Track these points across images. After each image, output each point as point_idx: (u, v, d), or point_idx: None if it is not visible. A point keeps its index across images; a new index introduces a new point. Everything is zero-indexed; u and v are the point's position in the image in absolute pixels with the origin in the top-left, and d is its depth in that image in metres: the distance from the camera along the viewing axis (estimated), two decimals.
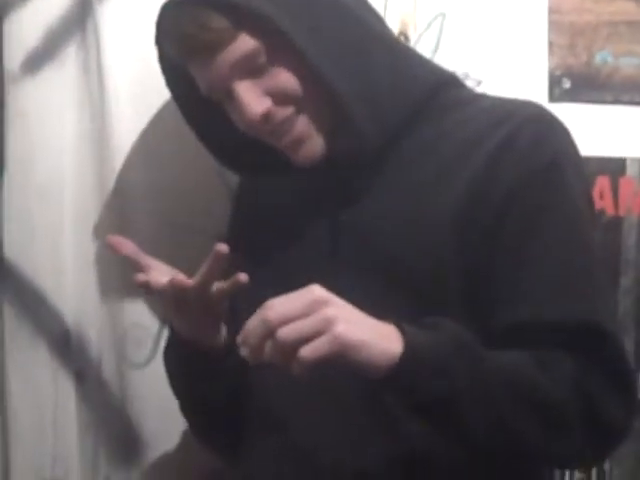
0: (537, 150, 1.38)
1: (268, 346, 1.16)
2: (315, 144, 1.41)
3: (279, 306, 1.16)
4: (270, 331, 1.14)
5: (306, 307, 1.16)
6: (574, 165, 1.42)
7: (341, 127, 1.41)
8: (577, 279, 1.36)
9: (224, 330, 1.49)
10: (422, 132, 1.43)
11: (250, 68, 1.37)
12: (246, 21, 1.35)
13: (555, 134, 1.42)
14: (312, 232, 1.49)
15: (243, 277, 1.33)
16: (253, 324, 1.17)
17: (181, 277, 1.36)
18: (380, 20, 1.50)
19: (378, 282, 1.38)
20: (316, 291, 1.20)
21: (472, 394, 1.23)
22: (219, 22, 1.35)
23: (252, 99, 1.37)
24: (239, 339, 1.19)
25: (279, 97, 1.38)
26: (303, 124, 1.40)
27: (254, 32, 1.36)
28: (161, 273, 1.40)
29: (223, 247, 1.31)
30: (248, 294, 1.39)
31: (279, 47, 1.36)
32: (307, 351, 1.14)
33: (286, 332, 1.14)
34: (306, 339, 1.15)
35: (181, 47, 1.39)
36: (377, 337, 1.19)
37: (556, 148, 1.40)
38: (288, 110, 1.38)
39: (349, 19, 1.40)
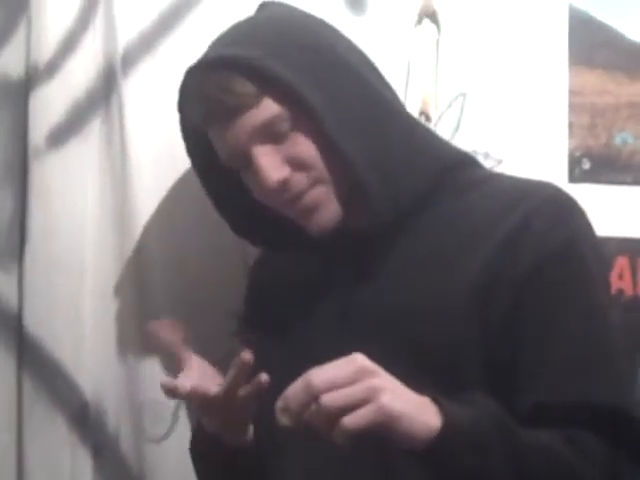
0: (555, 232, 1.38)
1: (311, 413, 1.15)
2: (329, 212, 1.42)
3: (324, 373, 1.16)
4: (314, 397, 1.13)
5: (352, 375, 1.15)
6: (591, 247, 1.42)
7: (356, 200, 1.41)
8: (600, 360, 1.36)
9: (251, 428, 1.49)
10: (439, 209, 1.43)
11: (271, 134, 1.38)
12: (269, 87, 1.36)
13: (572, 216, 1.43)
14: (326, 308, 1.48)
15: (264, 378, 1.32)
16: (295, 390, 1.16)
17: (205, 387, 1.35)
18: (397, 98, 1.50)
19: (392, 360, 1.32)
20: (360, 360, 1.19)
21: (505, 471, 1.23)
22: (243, 86, 1.35)
23: (271, 166, 1.37)
24: (278, 406, 1.17)
25: (297, 165, 1.39)
26: (318, 192, 1.41)
27: (277, 98, 1.36)
28: (192, 371, 1.39)
29: (248, 356, 1.31)
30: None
31: (300, 115, 1.37)
32: (352, 419, 1.13)
33: (332, 398, 1.13)
34: (351, 407, 1.13)
35: (204, 110, 1.40)
36: (418, 410, 1.19)
37: (574, 230, 1.41)
38: (305, 179, 1.39)
39: (370, 93, 1.41)
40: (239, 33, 1.44)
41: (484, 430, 1.24)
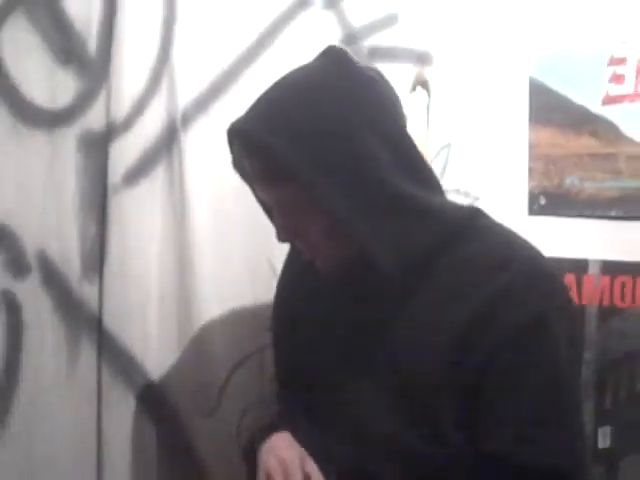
0: (528, 301, 1.47)
1: None
2: (325, 264, 1.58)
3: None
4: None
5: None
6: (559, 315, 1.51)
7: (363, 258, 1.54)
8: (554, 425, 1.48)
9: None
10: (436, 266, 1.52)
11: (287, 207, 1.55)
12: (285, 175, 1.50)
13: (543, 287, 1.51)
14: (336, 328, 1.61)
15: None
16: None
17: None
18: (410, 163, 1.56)
19: (384, 388, 1.53)
20: None
21: None
22: (263, 171, 1.53)
23: (282, 229, 1.57)
24: None
25: (303, 237, 1.56)
26: (315, 253, 1.58)
27: (292, 184, 1.51)
28: None
29: None
30: (288, 359, 1.66)
31: (313, 199, 1.50)
32: None
33: None
34: None
35: (240, 173, 1.62)
36: None
37: (544, 302, 1.49)
38: (307, 247, 1.57)
39: (376, 174, 1.51)
40: (270, 110, 1.54)
41: None
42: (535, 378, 1.49)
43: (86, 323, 2.01)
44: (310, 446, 1.60)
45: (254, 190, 1.64)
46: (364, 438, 1.56)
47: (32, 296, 2.00)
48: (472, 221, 1.58)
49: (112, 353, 2.01)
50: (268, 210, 1.65)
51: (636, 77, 2.00)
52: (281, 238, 1.60)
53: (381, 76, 1.62)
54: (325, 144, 1.50)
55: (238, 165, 1.62)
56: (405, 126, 1.62)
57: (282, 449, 1.61)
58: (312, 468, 1.57)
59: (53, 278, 1.99)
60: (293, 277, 1.77)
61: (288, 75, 1.58)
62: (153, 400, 2.03)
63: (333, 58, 1.57)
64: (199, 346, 2.03)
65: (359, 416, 1.56)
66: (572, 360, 1.56)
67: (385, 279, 1.52)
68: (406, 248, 1.51)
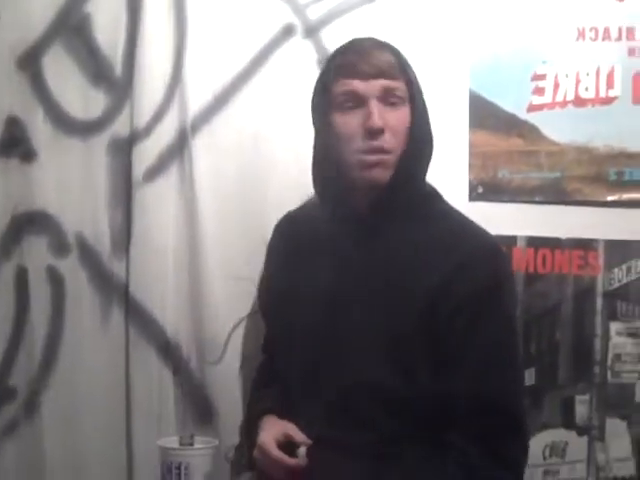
0: (480, 275, 1.64)
1: None
2: (385, 175, 1.68)
3: None
4: None
5: None
6: (507, 287, 1.71)
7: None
8: (501, 369, 1.65)
9: None
10: (415, 227, 1.70)
11: (387, 98, 1.69)
12: (404, 72, 1.72)
13: (495, 262, 1.69)
14: (330, 265, 1.74)
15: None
16: None
17: None
18: None
19: (368, 320, 1.68)
20: None
21: None
22: (392, 63, 1.71)
23: (379, 115, 1.68)
24: None
25: (390, 129, 1.68)
26: (389, 157, 1.69)
27: (405, 81, 1.71)
28: None
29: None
30: (282, 296, 1.79)
31: (407, 100, 1.71)
32: None
33: None
34: None
35: (354, 64, 1.69)
36: None
37: (495, 274, 1.67)
38: (390, 141, 1.68)
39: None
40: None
41: None
42: (488, 332, 1.65)
43: (116, 291, 2.29)
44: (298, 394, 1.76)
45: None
46: (347, 378, 1.69)
47: (71, 270, 2.28)
48: (435, 197, 1.79)
49: (137, 315, 2.28)
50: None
51: (554, 90, 2.20)
52: (376, 124, 1.67)
53: None
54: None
55: (370, 55, 1.71)
56: None
57: (264, 430, 1.77)
58: (293, 435, 1.73)
59: (88, 255, 2.28)
60: (291, 227, 1.89)
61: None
62: (170, 352, 2.28)
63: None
64: (207, 309, 2.26)
65: (344, 357, 1.70)
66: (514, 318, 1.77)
67: (382, 213, 1.70)
68: (415, 189, 1.72)
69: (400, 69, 1.71)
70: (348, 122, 1.69)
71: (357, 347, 1.68)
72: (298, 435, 1.71)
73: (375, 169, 1.68)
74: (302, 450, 1.69)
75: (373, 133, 1.67)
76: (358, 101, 1.68)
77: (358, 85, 1.68)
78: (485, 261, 1.68)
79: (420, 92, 1.74)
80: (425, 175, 1.75)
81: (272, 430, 1.75)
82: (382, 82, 1.69)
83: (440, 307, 1.65)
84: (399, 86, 1.70)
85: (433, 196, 1.78)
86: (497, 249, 1.73)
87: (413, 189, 1.72)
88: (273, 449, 1.71)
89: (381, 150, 1.68)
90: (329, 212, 1.77)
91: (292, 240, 1.86)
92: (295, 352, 1.78)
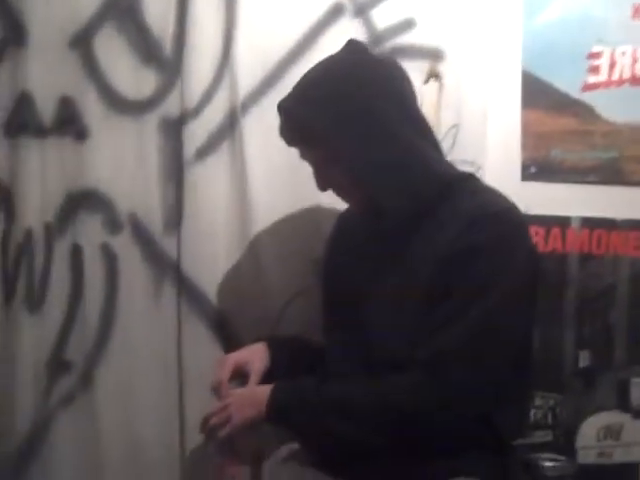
0: (478, 235, 1.68)
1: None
2: (355, 207, 1.83)
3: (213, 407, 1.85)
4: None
5: (222, 406, 1.83)
6: (500, 251, 1.68)
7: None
8: (458, 330, 1.67)
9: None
10: (439, 213, 1.73)
11: (316, 162, 1.80)
12: (313, 139, 1.75)
13: (493, 227, 1.69)
14: (366, 259, 1.83)
15: None
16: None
17: None
18: (418, 129, 1.76)
19: (398, 303, 1.75)
20: (230, 398, 1.84)
21: (304, 422, 1.75)
22: (295, 135, 1.78)
23: (317, 181, 1.82)
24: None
25: (333, 186, 1.80)
26: (346, 199, 1.82)
27: (320, 146, 1.75)
28: None
29: None
30: (336, 287, 1.90)
31: (336, 159, 1.74)
32: (221, 433, 1.81)
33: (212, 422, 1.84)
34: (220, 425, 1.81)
35: (285, 140, 1.82)
36: (252, 408, 1.79)
37: (483, 238, 1.67)
38: (338, 193, 1.81)
39: (389, 134, 1.71)
40: (303, 89, 1.77)
41: (291, 403, 1.75)
42: (461, 292, 1.68)
43: (168, 268, 2.27)
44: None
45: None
46: (371, 345, 1.79)
47: (125, 248, 2.27)
48: (464, 182, 1.79)
49: (189, 292, 2.27)
50: None
51: (609, 68, 2.16)
52: (318, 187, 1.82)
53: (393, 60, 1.84)
54: (345, 114, 1.71)
55: (283, 133, 1.82)
56: (416, 101, 1.81)
57: (240, 351, 1.96)
58: (253, 369, 1.90)
59: (141, 233, 2.26)
60: (342, 226, 1.98)
61: (320, 62, 1.82)
62: (221, 329, 2.27)
63: (353, 48, 1.81)
64: (258, 286, 2.24)
65: (372, 330, 1.79)
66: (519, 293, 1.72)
67: (393, 222, 1.74)
68: (409, 200, 1.73)
69: (305, 137, 1.76)
70: None
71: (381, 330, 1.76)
72: (252, 375, 1.89)
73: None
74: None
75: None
76: None
77: None
78: (482, 224, 1.68)
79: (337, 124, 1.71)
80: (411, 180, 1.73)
81: (242, 352, 1.94)
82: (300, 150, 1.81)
83: (445, 275, 1.68)
84: (312, 154, 1.79)
85: (459, 181, 1.77)
86: (503, 216, 1.70)
87: (406, 200, 1.72)
88: (224, 373, 1.90)
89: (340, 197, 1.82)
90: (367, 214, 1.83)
91: (342, 233, 1.95)
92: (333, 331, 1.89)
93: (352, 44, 1.81)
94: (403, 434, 1.70)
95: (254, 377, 1.91)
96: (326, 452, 1.78)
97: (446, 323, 1.68)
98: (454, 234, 1.69)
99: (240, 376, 1.92)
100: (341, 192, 1.81)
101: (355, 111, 1.71)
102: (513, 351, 1.73)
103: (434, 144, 1.83)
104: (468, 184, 1.78)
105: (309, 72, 1.80)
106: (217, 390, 1.91)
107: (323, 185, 1.81)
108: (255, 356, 1.95)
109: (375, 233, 1.81)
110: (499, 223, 1.70)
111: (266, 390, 1.80)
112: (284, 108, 1.79)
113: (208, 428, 1.85)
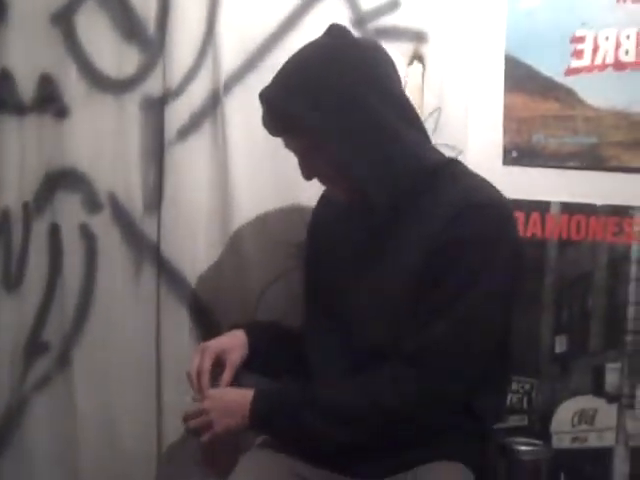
0: (457, 229, 1.66)
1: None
2: (339, 196, 1.78)
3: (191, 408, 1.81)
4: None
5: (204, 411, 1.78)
6: (482, 243, 1.66)
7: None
8: (443, 326, 1.67)
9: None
10: (422, 199, 1.71)
11: (301, 151, 1.75)
12: (298, 128, 1.69)
13: (483, 219, 1.67)
14: (349, 247, 1.81)
15: None
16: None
17: None
18: (402, 115, 1.71)
19: (380, 291, 1.74)
20: (209, 401, 1.79)
21: (288, 428, 1.73)
22: (278, 125, 1.73)
23: (302, 169, 1.77)
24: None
25: (317, 174, 1.76)
26: (330, 188, 1.79)
27: (305, 135, 1.70)
28: None
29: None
30: (318, 274, 1.87)
31: (321, 148, 1.69)
32: (203, 438, 1.78)
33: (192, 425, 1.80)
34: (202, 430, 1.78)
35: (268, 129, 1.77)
36: (234, 417, 1.75)
37: (466, 232, 1.66)
38: (322, 181, 1.77)
39: (373, 120, 1.67)
40: (285, 78, 1.71)
41: (272, 410, 1.73)
42: (447, 286, 1.66)
43: (147, 249, 2.26)
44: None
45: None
46: (353, 335, 1.78)
47: (104, 228, 2.25)
48: (449, 167, 1.77)
49: (168, 274, 2.25)
50: None
51: (593, 53, 2.13)
52: (303, 176, 1.78)
53: (377, 44, 1.79)
54: (328, 103, 1.66)
55: (266, 123, 1.77)
56: (400, 85, 1.78)
57: (219, 339, 1.93)
58: (230, 359, 1.87)
59: (121, 214, 2.24)
60: (323, 211, 1.94)
61: (301, 49, 1.75)
62: (200, 312, 2.25)
63: (335, 33, 1.75)
64: (238, 271, 2.22)
65: (354, 320, 1.78)
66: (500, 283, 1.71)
67: (379, 211, 1.72)
68: (394, 189, 1.70)
69: (290, 126, 1.72)
70: None
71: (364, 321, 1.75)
72: (228, 370, 1.86)
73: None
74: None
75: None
76: None
77: None
78: (467, 216, 1.66)
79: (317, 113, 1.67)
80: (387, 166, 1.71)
81: (221, 340, 1.91)
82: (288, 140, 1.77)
83: (430, 266, 1.67)
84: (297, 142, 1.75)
85: (442, 168, 1.75)
86: (488, 208, 1.69)
87: (390, 186, 1.70)
88: (204, 364, 1.86)
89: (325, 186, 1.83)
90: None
91: (325, 216, 1.91)
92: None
93: (334, 29, 1.76)
94: (389, 430, 1.71)
95: (229, 371, 1.88)
96: (312, 454, 1.77)
97: (431, 316, 1.68)
98: (439, 226, 1.68)
99: (218, 365, 1.89)
100: (326, 181, 1.79)
101: (338, 99, 1.67)
102: (494, 342, 1.75)
103: (420, 129, 1.80)
104: (452, 170, 1.77)
105: (290, 59, 1.75)
106: (195, 378, 1.87)
107: (308, 174, 1.78)
108: (233, 345, 1.92)
109: (360, 222, 1.79)
110: (484, 215, 1.68)
111: (247, 397, 1.76)
112: (266, 98, 1.73)
113: (187, 429, 1.83)
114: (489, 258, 1.68)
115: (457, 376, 1.69)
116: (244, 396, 1.77)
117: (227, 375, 1.88)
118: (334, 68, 1.68)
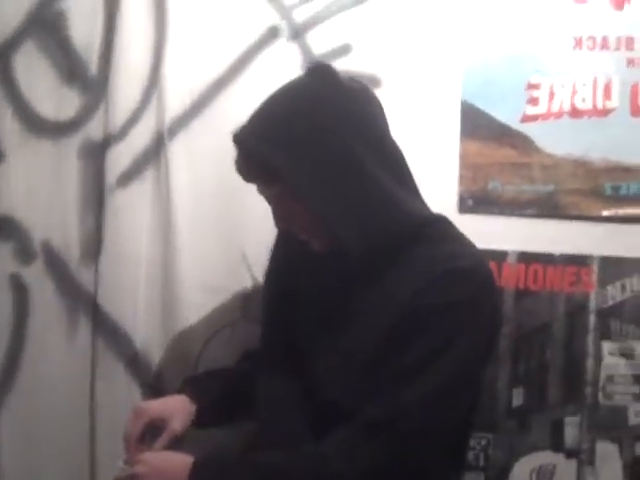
0: (433, 294, 1.57)
1: None
2: (314, 245, 1.66)
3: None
4: None
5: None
6: (461, 310, 1.58)
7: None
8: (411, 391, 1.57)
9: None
10: (400, 255, 1.61)
11: (276, 199, 1.64)
12: (274, 177, 1.59)
13: (461, 282, 1.59)
14: (318, 295, 1.70)
15: None
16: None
17: None
18: (386, 164, 1.61)
19: (351, 351, 1.63)
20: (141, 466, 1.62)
21: None
22: (256, 174, 1.64)
23: (276, 219, 1.67)
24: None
25: (293, 224, 1.66)
26: (306, 237, 1.66)
27: (281, 183, 1.60)
28: None
29: None
30: (282, 315, 1.74)
31: (297, 197, 1.59)
32: None
33: None
34: None
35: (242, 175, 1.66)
36: None
37: (450, 297, 1.57)
38: (298, 230, 1.65)
39: (356, 173, 1.57)
40: (263, 121, 1.61)
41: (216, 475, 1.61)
42: (415, 351, 1.57)
43: (83, 302, 2.15)
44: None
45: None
46: (314, 391, 1.66)
47: (37, 279, 2.15)
48: (433, 226, 1.68)
49: (105, 328, 2.14)
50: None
51: (549, 100, 2.09)
52: (277, 225, 1.68)
53: (364, 86, 1.69)
54: (308, 150, 1.57)
55: (240, 168, 1.67)
56: (388, 131, 1.68)
57: (160, 402, 1.83)
58: (169, 427, 1.76)
59: (56, 264, 2.14)
60: (283, 256, 1.81)
61: (281, 89, 1.64)
62: (139, 367, 2.14)
63: (320, 73, 1.63)
64: (179, 322, 2.13)
65: (318, 378, 1.66)
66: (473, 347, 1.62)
67: (356, 265, 1.61)
68: (374, 242, 1.60)
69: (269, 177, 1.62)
70: None
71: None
72: (164, 437, 1.75)
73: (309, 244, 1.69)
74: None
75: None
76: None
77: None
78: (450, 280, 1.59)
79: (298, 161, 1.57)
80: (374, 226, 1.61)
81: (162, 406, 1.80)
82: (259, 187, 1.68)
83: (401, 332, 1.59)
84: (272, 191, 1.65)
85: (428, 225, 1.67)
86: (472, 273, 1.62)
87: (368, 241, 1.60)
88: (136, 427, 1.76)
89: (297, 235, 1.69)
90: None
91: (290, 249, 1.77)
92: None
93: (318, 69, 1.65)
94: None
95: (163, 439, 1.75)
96: None
97: (401, 382, 1.58)
98: (420, 286, 1.59)
99: (155, 428, 1.77)
100: (302, 231, 1.66)
101: (319, 148, 1.57)
102: (465, 407, 1.67)
103: (408, 182, 1.71)
104: (437, 229, 1.68)
105: (269, 101, 1.63)
106: (126, 441, 1.75)
107: (282, 224, 1.67)
108: (174, 412, 1.80)
109: (333, 272, 1.67)
110: (468, 281, 1.60)
111: (186, 464, 1.61)
112: (240, 142, 1.63)
113: None
114: (468, 324, 1.59)
115: (422, 446, 1.60)
116: (181, 464, 1.62)
117: (159, 443, 1.74)
118: (317, 115, 1.58)
